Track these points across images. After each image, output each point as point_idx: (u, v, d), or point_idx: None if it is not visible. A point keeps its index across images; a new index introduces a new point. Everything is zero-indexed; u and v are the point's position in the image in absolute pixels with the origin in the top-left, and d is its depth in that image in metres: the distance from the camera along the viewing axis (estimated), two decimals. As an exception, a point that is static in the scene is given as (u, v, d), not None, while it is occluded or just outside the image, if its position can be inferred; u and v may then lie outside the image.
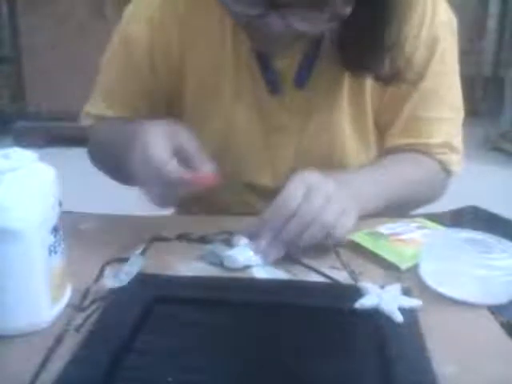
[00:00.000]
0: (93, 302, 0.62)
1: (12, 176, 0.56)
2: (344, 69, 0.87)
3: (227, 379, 0.53)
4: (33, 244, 0.56)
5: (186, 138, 0.72)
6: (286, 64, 0.88)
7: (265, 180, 0.93)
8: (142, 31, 0.89)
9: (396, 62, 0.82)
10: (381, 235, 0.76)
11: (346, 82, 0.89)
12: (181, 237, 0.78)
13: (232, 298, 0.64)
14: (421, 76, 0.88)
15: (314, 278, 0.70)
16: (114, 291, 0.64)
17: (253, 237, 0.73)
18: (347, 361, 0.55)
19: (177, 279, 0.68)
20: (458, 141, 0.96)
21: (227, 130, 0.91)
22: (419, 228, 0.79)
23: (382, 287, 0.64)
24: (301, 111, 0.91)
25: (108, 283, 0.65)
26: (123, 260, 0.70)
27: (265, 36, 0.76)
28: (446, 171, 0.96)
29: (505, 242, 0.68)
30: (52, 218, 0.59)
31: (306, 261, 0.73)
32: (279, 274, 0.70)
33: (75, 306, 0.62)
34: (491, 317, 0.62)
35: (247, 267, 0.71)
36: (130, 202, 1.01)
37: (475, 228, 0.72)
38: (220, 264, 0.71)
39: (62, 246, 0.61)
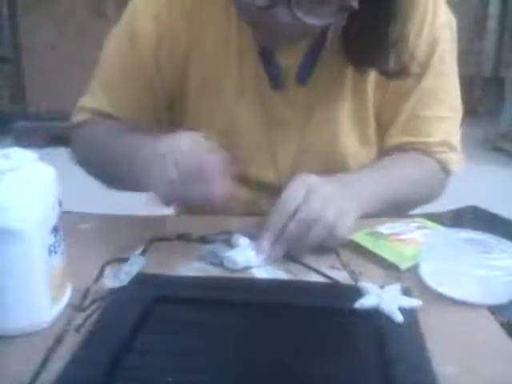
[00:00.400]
0: (93, 302, 0.62)
1: (12, 176, 0.56)
2: (348, 64, 0.87)
3: (227, 379, 0.53)
4: (33, 244, 0.56)
5: (211, 151, 0.71)
6: (289, 60, 0.88)
7: (268, 176, 0.93)
8: (150, 27, 0.88)
9: (401, 57, 0.83)
10: (381, 235, 0.76)
11: (349, 78, 0.89)
12: (181, 237, 0.78)
13: (232, 298, 0.64)
14: (421, 74, 0.89)
15: (314, 278, 0.70)
16: (113, 291, 0.64)
17: (253, 237, 0.73)
18: (347, 361, 0.55)
19: (177, 279, 0.68)
20: (456, 140, 0.96)
21: (230, 126, 0.91)
22: (419, 228, 0.79)
23: (382, 287, 0.64)
24: (303, 107, 0.91)
25: (108, 283, 0.65)
26: (123, 260, 0.70)
27: (270, 29, 0.76)
28: (445, 171, 0.96)
29: (505, 242, 0.68)
30: (52, 218, 0.59)
31: (306, 261, 0.73)
32: (279, 274, 0.70)
33: (75, 306, 0.62)
34: (491, 317, 0.62)
35: (247, 268, 0.71)
36: (130, 202, 1.01)
37: (475, 228, 0.72)
38: (220, 264, 0.71)
39: (62, 246, 0.61)
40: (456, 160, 0.96)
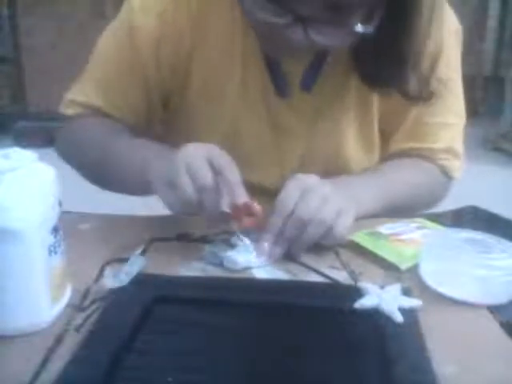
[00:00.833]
0: (93, 302, 0.62)
1: (12, 176, 0.56)
2: (353, 72, 0.86)
3: (227, 379, 0.52)
4: (33, 244, 0.56)
5: (227, 163, 0.71)
6: (294, 67, 0.88)
7: (273, 181, 0.92)
8: (152, 25, 0.86)
9: (426, 80, 0.82)
10: (381, 235, 0.76)
11: (353, 86, 0.89)
12: (181, 237, 0.78)
13: (232, 298, 0.64)
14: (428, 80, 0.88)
15: (314, 278, 0.70)
16: (113, 291, 0.64)
17: (253, 237, 0.73)
18: (347, 361, 0.55)
19: (177, 279, 0.68)
20: (460, 146, 0.97)
21: (232, 130, 0.91)
22: (419, 228, 0.79)
23: (382, 287, 0.64)
24: (308, 114, 0.91)
25: (108, 283, 0.65)
26: (123, 260, 0.70)
27: (280, 43, 0.75)
28: (448, 177, 0.97)
29: (505, 242, 0.68)
30: (52, 218, 0.59)
31: (306, 261, 0.73)
32: (279, 274, 0.70)
33: (75, 306, 0.62)
34: (491, 317, 0.62)
35: (247, 268, 0.71)
36: (130, 202, 1.01)
37: (475, 228, 0.72)
38: (220, 264, 0.71)
39: (62, 246, 0.61)
40: (459, 167, 0.97)
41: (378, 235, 0.76)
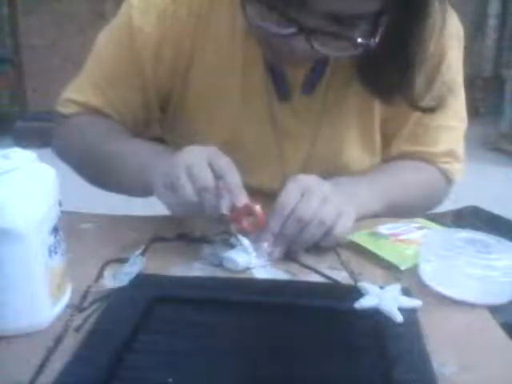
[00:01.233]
0: (93, 302, 0.62)
1: (12, 176, 0.56)
2: (355, 80, 0.86)
3: (227, 379, 0.52)
4: (33, 244, 0.56)
5: (227, 165, 0.71)
6: (296, 71, 0.88)
7: (275, 185, 0.91)
8: (152, 24, 0.86)
9: (429, 84, 0.82)
10: (381, 235, 0.76)
11: (356, 90, 0.88)
12: (181, 237, 0.78)
13: (232, 298, 0.64)
14: (430, 83, 0.88)
15: (314, 278, 0.70)
16: (114, 291, 0.64)
17: (253, 237, 0.73)
18: (347, 361, 0.55)
19: (177, 279, 0.68)
20: (461, 149, 0.97)
21: (235, 133, 0.91)
22: (419, 228, 0.79)
23: (382, 287, 0.64)
24: (309, 118, 0.91)
25: (108, 283, 0.65)
26: (123, 260, 0.70)
27: (283, 51, 0.75)
28: (448, 179, 0.97)
29: (505, 242, 0.68)
30: (52, 218, 0.59)
31: (305, 261, 0.73)
32: (279, 274, 0.70)
33: (75, 307, 0.62)
34: (491, 317, 0.62)
35: (247, 268, 0.71)
36: (130, 202, 1.01)
37: (475, 228, 0.72)
38: (220, 264, 0.71)
39: (62, 246, 0.61)
40: (459, 169, 0.97)
41: (378, 235, 0.76)
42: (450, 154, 0.95)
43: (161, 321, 0.60)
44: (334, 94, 0.89)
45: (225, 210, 0.69)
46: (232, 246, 0.73)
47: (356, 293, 0.64)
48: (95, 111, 0.92)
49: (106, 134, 0.89)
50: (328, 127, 0.91)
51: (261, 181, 0.92)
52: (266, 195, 0.87)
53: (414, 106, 0.85)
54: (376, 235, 0.76)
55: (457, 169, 0.97)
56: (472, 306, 0.64)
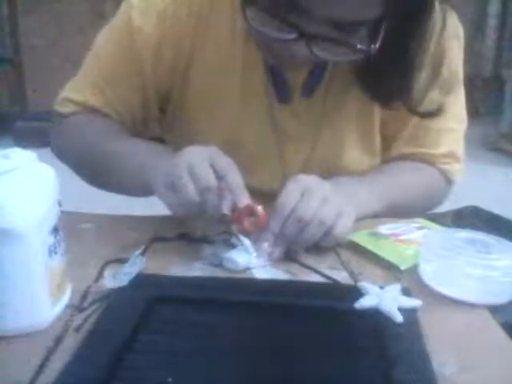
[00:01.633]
0: (93, 302, 0.62)
1: (12, 176, 0.56)
2: (354, 82, 0.86)
3: (227, 379, 0.52)
4: (33, 244, 0.56)
5: (229, 166, 0.71)
6: (296, 73, 0.88)
7: (275, 186, 0.91)
8: (152, 24, 0.85)
9: (428, 87, 0.82)
10: (381, 235, 0.76)
11: (355, 93, 0.88)
12: (181, 237, 0.78)
13: (232, 298, 0.64)
14: (430, 85, 0.88)
15: (314, 278, 0.70)
16: (113, 291, 0.64)
17: (253, 237, 0.73)
18: (347, 361, 0.55)
19: (177, 279, 0.68)
20: (461, 151, 0.97)
21: (235, 134, 0.91)
22: (419, 228, 0.79)
23: (382, 287, 0.64)
24: (309, 120, 0.91)
25: (108, 283, 0.65)
26: (123, 260, 0.70)
27: (283, 55, 0.75)
28: (448, 180, 0.97)
29: (504, 242, 0.68)
30: (52, 218, 0.59)
31: (305, 261, 0.73)
32: (279, 274, 0.70)
33: (75, 307, 0.62)
34: (491, 317, 0.62)
35: (247, 268, 0.71)
36: (130, 202, 1.01)
37: (475, 228, 0.72)
38: (220, 264, 0.71)
39: (62, 246, 0.61)
40: (459, 170, 0.97)
41: (378, 235, 0.76)
42: (450, 155, 0.95)
43: (161, 321, 0.60)
44: (334, 98, 0.89)
45: (226, 210, 0.69)
46: (233, 246, 0.73)
47: (356, 293, 0.64)
48: (94, 111, 0.92)
49: (105, 134, 0.88)
50: (328, 130, 0.91)
51: (261, 181, 0.92)
52: (266, 195, 0.87)
53: (413, 111, 0.85)
54: (376, 235, 0.77)
55: (457, 169, 0.97)
56: (472, 306, 0.64)
